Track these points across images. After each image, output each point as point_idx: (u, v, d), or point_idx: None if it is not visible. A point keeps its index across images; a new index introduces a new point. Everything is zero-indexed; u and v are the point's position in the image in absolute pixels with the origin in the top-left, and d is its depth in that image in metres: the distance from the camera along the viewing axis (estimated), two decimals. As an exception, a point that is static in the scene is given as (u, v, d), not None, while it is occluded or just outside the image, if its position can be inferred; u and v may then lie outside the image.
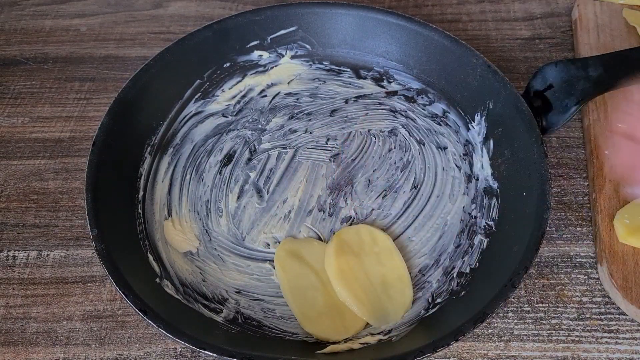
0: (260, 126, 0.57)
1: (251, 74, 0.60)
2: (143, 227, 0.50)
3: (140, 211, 0.51)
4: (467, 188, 0.52)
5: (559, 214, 0.52)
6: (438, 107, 0.57)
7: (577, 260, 0.49)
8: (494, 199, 0.50)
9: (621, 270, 0.46)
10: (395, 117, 0.57)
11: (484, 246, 0.48)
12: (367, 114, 0.58)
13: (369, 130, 0.57)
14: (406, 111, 0.58)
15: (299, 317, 0.45)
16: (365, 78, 0.60)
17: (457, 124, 0.56)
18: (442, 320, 0.44)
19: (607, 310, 0.46)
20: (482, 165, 0.53)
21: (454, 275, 0.47)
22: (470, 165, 0.53)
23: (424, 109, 0.57)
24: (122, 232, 0.48)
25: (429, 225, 0.51)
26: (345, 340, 0.44)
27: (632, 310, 0.45)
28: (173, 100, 0.56)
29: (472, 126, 0.55)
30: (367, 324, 0.45)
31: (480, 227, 0.50)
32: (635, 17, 0.62)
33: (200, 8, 0.70)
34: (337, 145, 0.56)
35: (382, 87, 0.59)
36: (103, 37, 0.67)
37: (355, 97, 0.59)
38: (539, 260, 0.49)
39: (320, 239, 0.50)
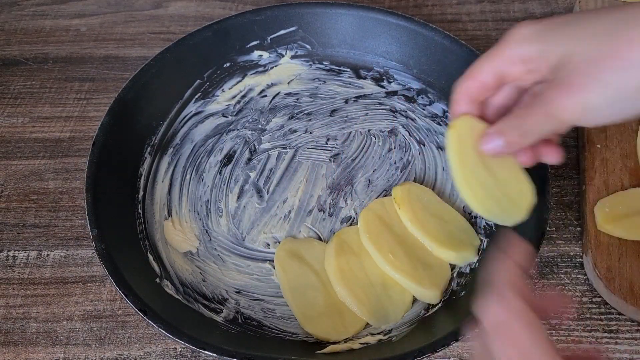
0: (260, 126, 0.57)
1: (251, 74, 0.60)
2: (143, 227, 0.50)
3: (140, 211, 0.51)
4: (467, 188, 0.52)
5: (559, 214, 0.52)
6: (438, 107, 0.57)
7: (577, 260, 0.49)
8: (494, 199, 0.50)
9: (605, 260, 0.47)
10: (395, 117, 0.57)
11: (484, 246, 0.48)
12: (367, 114, 0.58)
13: (369, 130, 0.57)
14: (406, 111, 0.58)
15: (299, 317, 0.45)
16: (365, 78, 0.60)
17: (457, 124, 0.56)
18: (443, 320, 0.44)
19: (607, 310, 0.46)
20: (482, 165, 0.52)
21: (454, 275, 0.47)
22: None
23: (424, 109, 0.57)
24: (122, 232, 0.48)
25: (429, 225, 0.51)
26: (345, 340, 0.44)
27: (615, 300, 0.45)
28: (173, 100, 0.56)
29: (472, 126, 0.55)
30: (367, 324, 0.45)
31: (480, 227, 0.50)
32: (635, 17, 0.62)
33: (200, 8, 0.70)
34: (337, 145, 0.56)
35: (382, 87, 0.59)
36: (103, 37, 0.67)
37: (355, 97, 0.59)
38: (539, 260, 0.49)
39: (320, 239, 0.50)
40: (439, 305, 0.46)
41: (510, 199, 0.41)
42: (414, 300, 0.46)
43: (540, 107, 0.36)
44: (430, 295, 0.45)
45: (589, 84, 0.33)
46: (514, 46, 0.37)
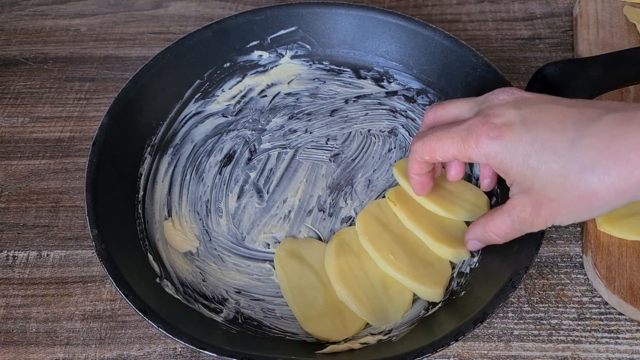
0: (260, 126, 0.57)
1: (251, 74, 0.60)
2: (143, 227, 0.50)
3: (140, 211, 0.51)
4: (467, 188, 0.52)
5: (559, 214, 0.52)
6: (438, 107, 0.57)
7: (577, 260, 0.49)
8: (494, 199, 0.50)
9: (605, 260, 0.47)
10: (395, 117, 0.57)
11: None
12: (367, 114, 0.58)
13: (369, 130, 0.57)
14: (406, 111, 0.58)
15: (299, 317, 0.45)
16: (365, 78, 0.60)
17: (457, 124, 0.56)
18: (442, 320, 0.44)
19: (607, 310, 0.46)
20: (482, 165, 0.53)
21: (454, 275, 0.47)
22: (470, 165, 0.53)
23: (423, 109, 0.57)
24: (122, 232, 0.48)
25: (429, 225, 0.51)
26: (345, 340, 0.44)
27: (615, 300, 0.45)
28: (173, 100, 0.56)
29: (472, 126, 0.55)
30: (367, 324, 0.45)
31: (480, 227, 0.50)
32: (635, 14, 0.62)
33: (200, 8, 0.70)
34: (337, 145, 0.56)
35: (382, 87, 0.59)
36: (103, 37, 0.67)
37: (355, 97, 0.59)
38: (539, 260, 0.49)
39: (320, 239, 0.50)
40: (439, 305, 0.46)
41: (470, 202, 0.49)
42: (414, 300, 0.46)
43: (513, 224, 0.40)
44: (433, 293, 0.45)
45: (560, 214, 0.37)
46: (478, 149, 0.38)
